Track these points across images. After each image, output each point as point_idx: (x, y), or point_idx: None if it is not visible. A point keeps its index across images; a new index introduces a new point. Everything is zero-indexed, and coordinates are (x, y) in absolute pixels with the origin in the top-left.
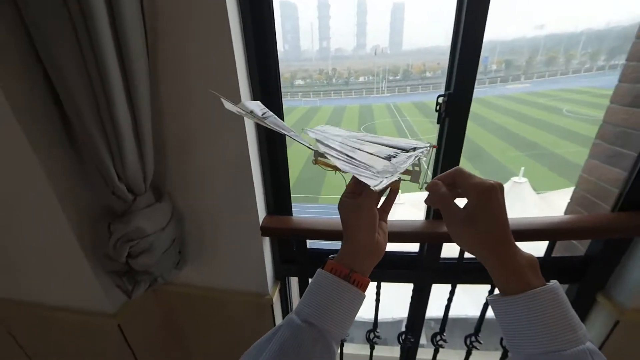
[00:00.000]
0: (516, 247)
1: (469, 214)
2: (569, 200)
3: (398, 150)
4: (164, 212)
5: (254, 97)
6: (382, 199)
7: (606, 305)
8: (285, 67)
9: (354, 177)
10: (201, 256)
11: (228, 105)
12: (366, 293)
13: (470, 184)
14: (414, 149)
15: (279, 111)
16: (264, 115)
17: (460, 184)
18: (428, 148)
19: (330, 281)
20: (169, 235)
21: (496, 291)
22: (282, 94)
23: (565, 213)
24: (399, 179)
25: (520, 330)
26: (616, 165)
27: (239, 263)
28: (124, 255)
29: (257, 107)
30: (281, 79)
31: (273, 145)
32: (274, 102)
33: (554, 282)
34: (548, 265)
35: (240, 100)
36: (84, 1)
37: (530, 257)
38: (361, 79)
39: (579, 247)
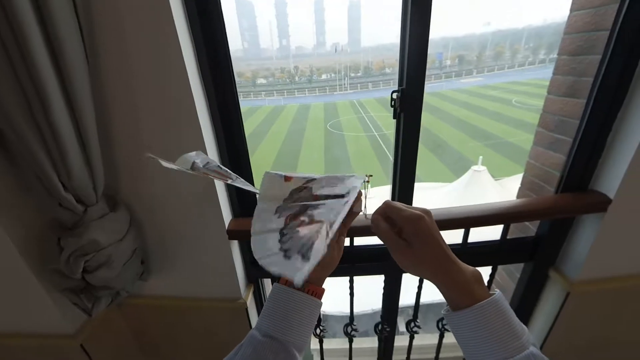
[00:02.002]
0: (459, 263)
1: (406, 243)
2: (519, 185)
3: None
4: (120, 221)
5: (209, 100)
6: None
7: (557, 280)
8: (245, 66)
9: None
10: (167, 265)
11: (167, 164)
12: (340, 290)
13: (401, 216)
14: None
15: (236, 113)
16: (206, 165)
17: (393, 216)
18: (363, 182)
19: (286, 293)
20: (129, 246)
21: None
22: (245, 94)
23: (517, 197)
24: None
25: (472, 342)
26: (557, 150)
27: (208, 269)
28: (79, 270)
29: (200, 157)
30: (243, 79)
31: (234, 147)
32: (229, 104)
33: (497, 293)
34: (504, 247)
35: (195, 109)
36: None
37: (474, 271)
38: (324, 76)
39: (531, 228)
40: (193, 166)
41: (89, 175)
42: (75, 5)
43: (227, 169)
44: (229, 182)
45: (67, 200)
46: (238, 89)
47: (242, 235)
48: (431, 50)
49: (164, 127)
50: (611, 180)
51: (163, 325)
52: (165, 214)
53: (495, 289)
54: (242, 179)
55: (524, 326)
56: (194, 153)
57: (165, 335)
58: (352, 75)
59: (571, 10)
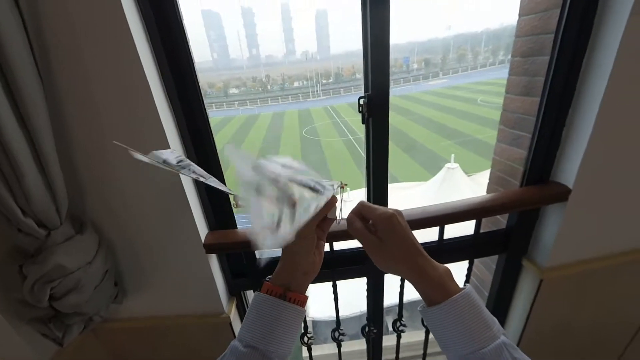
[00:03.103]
0: (431, 260)
1: (380, 240)
2: (488, 181)
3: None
4: (88, 243)
5: (175, 112)
6: None
7: (530, 268)
8: (216, 76)
9: None
10: (143, 285)
11: (137, 156)
12: (326, 295)
13: (375, 215)
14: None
15: (204, 123)
16: (179, 164)
17: (367, 216)
18: (336, 188)
19: (268, 302)
20: (99, 268)
21: None
22: (218, 104)
23: (487, 192)
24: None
25: (447, 335)
26: (519, 146)
27: (187, 285)
28: (45, 298)
29: (171, 155)
30: (215, 89)
31: (205, 157)
32: (196, 113)
33: (468, 287)
34: (479, 241)
35: (160, 119)
36: None
37: (445, 268)
38: (296, 84)
39: (502, 221)
40: (165, 162)
41: (50, 197)
42: (25, 23)
43: (200, 168)
44: (202, 179)
45: (27, 225)
46: (210, 100)
47: (219, 248)
48: (398, 55)
49: (129, 144)
50: (569, 171)
51: (144, 348)
52: (137, 232)
53: (466, 284)
54: (214, 179)
55: (494, 317)
56: (168, 150)
57: (147, 358)
58: (324, 81)
59: (520, 15)
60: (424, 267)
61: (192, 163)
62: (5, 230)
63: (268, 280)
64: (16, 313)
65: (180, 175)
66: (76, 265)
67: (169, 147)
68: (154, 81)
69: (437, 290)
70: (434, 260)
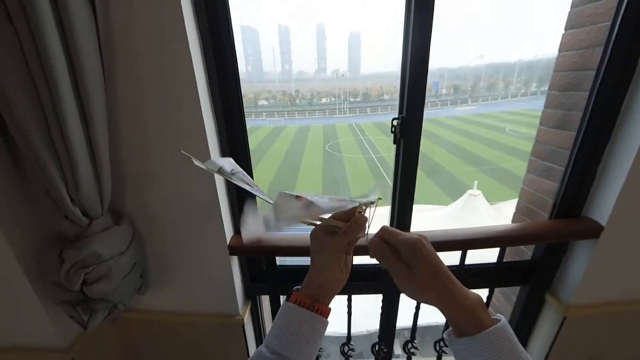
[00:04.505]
0: (461, 287)
1: (407, 266)
2: (514, 210)
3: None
4: (123, 235)
5: (217, 118)
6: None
7: (554, 304)
8: (248, 87)
9: (333, 216)
10: (165, 279)
11: (198, 163)
12: (337, 309)
13: (399, 240)
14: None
15: (242, 131)
16: (232, 171)
17: (390, 241)
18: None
19: (296, 312)
20: (130, 260)
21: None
22: (247, 114)
23: (512, 222)
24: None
25: None
26: (549, 178)
27: (207, 284)
28: (79, 283)
29: (228, 164)
30: (245, 100)
31: (238, 163)
32: (236, 122)
33: (502, 319)
34: (501, 270)
35: (205, 131)
36: (31, 14)
37: (476, 296)
38: (324, 100)
39: (526, 252)
40: (220, 170)
41: (97, 189)
42: (97, 27)
43: (250, 178)
44: (247, 187)
45: (73, 213)
46: None
47: (242, 250)
48: (428, 80)
49: (172, 146)
50: (603, 208)
51: (156, 341)
52: (167, 229)
53: (499, 315)
54: (258, 187)
55: (527, 353)
56: (225, 159)
57: (159, 350)
58: (352, 100)
59: (560, 51)
60: (454, 295)
61: (243, 172)
62: (50, 218)
63: (296, 290)
64: (49, 294)
65: (215, 177)
66: (110, 254)
67: (208, 150)
68: (202, 90)
69: (469, 320)
70: (464, 287)
